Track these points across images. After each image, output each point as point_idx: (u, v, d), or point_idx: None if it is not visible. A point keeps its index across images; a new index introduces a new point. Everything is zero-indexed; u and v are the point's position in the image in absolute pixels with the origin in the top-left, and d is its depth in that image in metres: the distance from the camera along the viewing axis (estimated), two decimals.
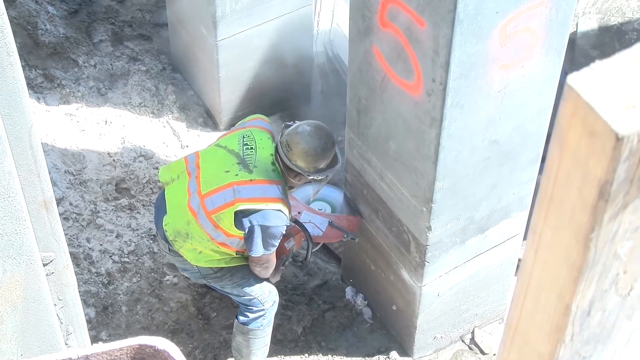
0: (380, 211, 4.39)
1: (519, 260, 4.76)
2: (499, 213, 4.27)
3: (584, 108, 1.23)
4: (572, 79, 1.25)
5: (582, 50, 6.10)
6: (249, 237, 4.01)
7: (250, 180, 4.02)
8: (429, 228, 4.05)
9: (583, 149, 1.26)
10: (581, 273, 1.36)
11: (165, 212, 4.19)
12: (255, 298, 4.33)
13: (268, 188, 4.01)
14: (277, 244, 4.11)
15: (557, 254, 1.39)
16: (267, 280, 4.38)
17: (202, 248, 4.13)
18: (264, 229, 3.98)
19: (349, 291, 5.02)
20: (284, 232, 4.07)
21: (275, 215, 3.98)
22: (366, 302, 4.96)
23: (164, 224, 4.19)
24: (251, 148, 4.12)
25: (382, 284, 4.72)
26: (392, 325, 4.83)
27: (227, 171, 4.06)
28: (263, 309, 4.37)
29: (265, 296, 4.35)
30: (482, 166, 3.95)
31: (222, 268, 4.24)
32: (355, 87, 4.13)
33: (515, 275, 4.78)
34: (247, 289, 4.31)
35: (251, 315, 4.38)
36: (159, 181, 5.19)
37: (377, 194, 4.34)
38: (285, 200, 4.03)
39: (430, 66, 3.48)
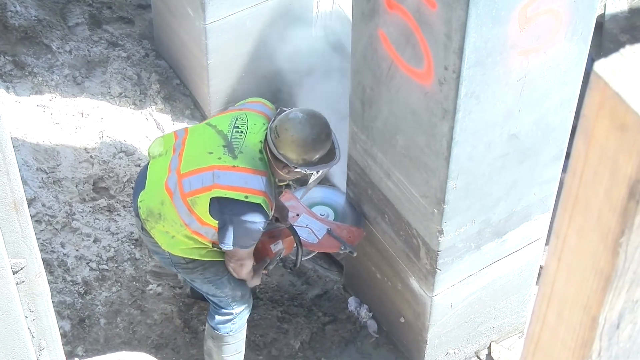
0: (386, 213, 4.39)
1: (541, 267, 4.77)
2: (519, 215, 4.28)
3: (612, 98, 1.23)
4: (600, 66, 1.25)
5: (611, 35, 6.10)
6: (222, 228, 4.02)
7: (233, 166, 4.01)
8: (441, 232, 4.06)
9: (612, 145, 1.26)
10: (609, 282, 1.36)
11: (144, 187, 4.22)
12: (224, 298, 4.35)
13: (251, 178, 4.00)
14: (255, 242, 4.11)
15: (583, 260, 1.39)
16: (244, 283, 4.38)
17: (174, 233, 4.15)
18: (239, 223, 3.97)
19: (352, 302, 5.02)
20: (263, 229, 4.06)
21: (254, 209, 3.97)
22: (371, 314, 4.96)
23: (139, 199, 4.22)
24: (241, 132, 4.11)
25: (388, 294, 4.72)
26: (400, 339, 4.84)
27: (211, 152, 4.06)
28: (231, 313, 4.39)
29: (236, 299, 4.36)
30: (500, 163, 3.95)
31: (194, 260, 4.25)
32: (359, 76, 4.13)
33: (536, 284, 4.79)
34: (218, 288, 4.33)
35: (218, 318, 4.41)
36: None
37: (383, 193, 4.35)
38: (268, 194, 4.01)
39: (442, 52, 3.48)
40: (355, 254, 4.62)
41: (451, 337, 4.67)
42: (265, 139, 4.07)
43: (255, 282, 4.44)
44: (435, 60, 3.55)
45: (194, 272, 4.30)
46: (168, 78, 5.99)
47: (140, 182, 4.29)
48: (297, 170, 4.07)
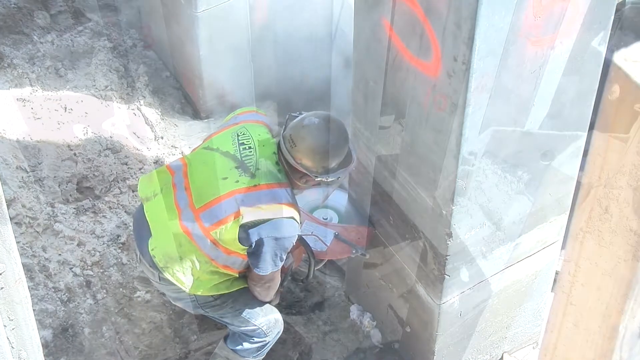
0: (391, 214, 4.39)
1: (557, 273, 4.77)
2: (533, 217, 4.27)
3: (633, 91, 1.23)
4: (620, 57, 1.25)
5: (631, 24, 6.10)
6: (255, 252, 3.99)
7: (255, 185, 4.00)
8: (450, 235, 4.06)
9: (633, 140, 1.26)
10: (630, 288, 1.37)
11: (150, 234, 4.15)
12: (259, 328, 4.33)
13: (276, 192, 3.99)
14: (284, 259, 4.11)
15: (602, 265, 1.40)
16: (270, 305, 4.37)
17: (199, 273, 4.11)
18: (276, 242, 3.96)
19: (354, 310, 5.02)
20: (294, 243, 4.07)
21: (288, 224, 3.97)
22: (375, 323, 4.96)
23: (150, 248, 4.14)
24: (249, 147, 4.08)
25: (393, 302, 4.72)
26: (406, 350, 4.84)
27: (225, 178, 4.03)
28: (264, 341, 4.38)
29: (270, 326, 4.35)
30: (513, 161, 3.95)
31: (222, 295, 4.24)
32: (361, 68, 4.13)
33: (551, 291, 4.79)
34: (251, 318, 4.31)
35: (248, 346, 4.38)
36: (136, 191, 5.19)
37: (388, 194, 4.35)
38: (296, 204, 4.02)
39: (451, 42, 3.48)
40: (368, 256, 4.62)
41: (460, 347, 4.67)
42: (279, 149, 4.06)
43: (275, 301, 4.46)
44: (444, 51, 3.55)
45: (224, 307, 4.29)
46: (157, 70, 5.99)
47: (141, 229, 4.21)
48: (318, 179, 4.07)
